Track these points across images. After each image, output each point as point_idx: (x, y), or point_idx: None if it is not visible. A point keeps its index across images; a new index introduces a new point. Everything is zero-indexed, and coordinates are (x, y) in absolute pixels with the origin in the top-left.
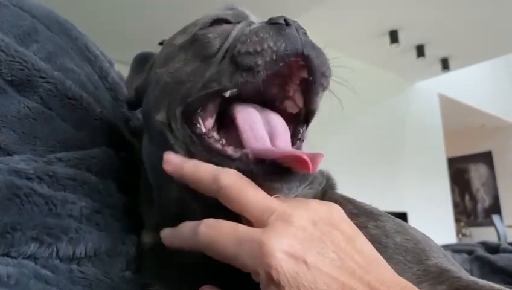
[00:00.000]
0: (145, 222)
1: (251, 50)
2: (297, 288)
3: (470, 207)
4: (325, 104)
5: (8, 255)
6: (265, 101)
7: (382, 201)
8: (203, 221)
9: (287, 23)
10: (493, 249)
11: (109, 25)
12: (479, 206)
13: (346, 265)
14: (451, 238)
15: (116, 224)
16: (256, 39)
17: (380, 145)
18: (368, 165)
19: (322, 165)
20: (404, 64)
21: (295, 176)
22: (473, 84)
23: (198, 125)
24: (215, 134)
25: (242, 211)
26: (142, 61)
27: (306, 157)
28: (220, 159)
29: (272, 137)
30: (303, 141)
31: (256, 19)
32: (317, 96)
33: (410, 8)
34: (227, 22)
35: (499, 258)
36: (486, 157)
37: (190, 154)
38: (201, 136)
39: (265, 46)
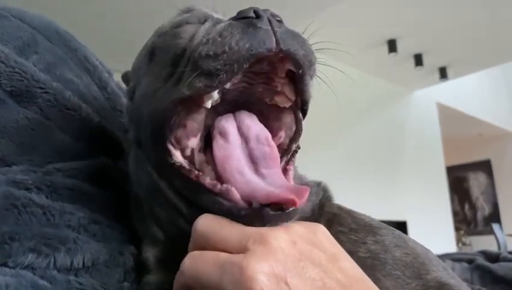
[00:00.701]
0: (142, 235)
1: (211, 53)
2: None
3: (469, 216)
4: (323, 113)
5: (5, 265)
6: (253, 101)
7: (382, 210)
8: (188, 254)
9: (257, 15)
10: (493, 258)
11: (109, 34)
12: (479, 215)
13: (328, 285)
14: (451, 247)
15: (114, 234)
16: (219, 40)
17: (378, 154)
18: (367, 174)
19: (322, 174)
20: (402, 73)
21: (282, 216)
22: (471, 93)
23: (172, 151)
24: (198, 157)
25: (223, 247)
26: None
27: (291, 196)
28: (201, 195)
29: (256, 168)
30: (293, 155)
31: (223, 16)
32: (308, 86)
33: (408, 18)
34: (190, 24)
35: (499, 267)
36: (485, 166)
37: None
38: (173, 166)
39: (226, 47)
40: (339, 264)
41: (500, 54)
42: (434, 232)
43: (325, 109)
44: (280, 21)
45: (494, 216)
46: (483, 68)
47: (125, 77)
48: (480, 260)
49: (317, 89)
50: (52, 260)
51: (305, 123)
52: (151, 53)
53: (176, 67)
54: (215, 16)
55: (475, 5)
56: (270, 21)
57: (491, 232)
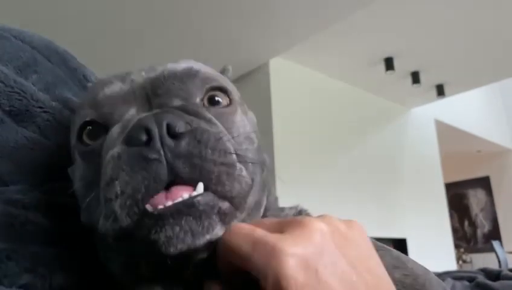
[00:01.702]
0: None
1: (108, 197)
2: None
3: (469, 233)
4: (322, 131)
5: (1, 284)
6: None
7: (381, 227)
8: (228, 226)
9: (150, 137)
10: (494, 275)
11: (108, 53)
12: (479, 232)
13: (357, 283)
14: (451, 264)
15: None
16: (117, 186)
17: (377, 171)
18: (365, 191)
19: (321, 193)
20: (399, 91)
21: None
22: (469, 110)
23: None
24: None
25: (261, 226)
26: None
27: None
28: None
29: None
30: None
31: (135, 109)
32: (228, 187)
33: (405, 36)
34: (97, 123)
35: (500, 285)
36: (484, 183)
37: None
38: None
39: (118, 191)
40: (369, 264)
41: (496, 72)
42: (434, 249)
43: (323, 127)
44: (175, 135)
45: (494, 233)
46: (480, 85)
47: None
48: (481, 278)
49: (313, 107)
50: (48, 280)
51: (303, 142)
52: (73, 153)
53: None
54: (128, 112)
55: (472, 23)
56: (162, 143)
57: (491, 249)
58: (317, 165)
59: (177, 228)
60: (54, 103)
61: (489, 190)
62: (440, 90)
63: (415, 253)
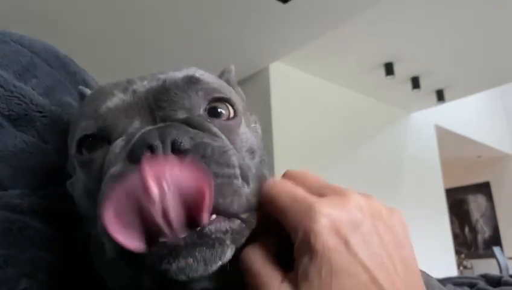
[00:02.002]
0: None
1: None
2: (328, 261)
3: (470, 238)
4: (322, 136)
5: None
6: None
7: None
8: (272, 179)
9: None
10: (495, 281)
11: (108, 56)
12: (479, 238)
13: (386, 265)
14: (452, 270)
15: None
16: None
17: (377, 176)
18: None
19: None
20: (399, 96)
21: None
22: (470, 116)
23: None
24: None
25: (304, 186)
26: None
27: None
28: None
29: None
30: None
31: (139, 121)
32: (234, 194)
33: (404, 41)
34: (97, 138)
35: None
36: (484, 188)
37: None
38: None
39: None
40: (403, 253)
41: (497, 77)
42: (435, 255)
43: (322, 131)
44: (180, 152)
45: (495, 239)
46: (480, 90)
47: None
48: (482, 284)
49: (313, 112)
50: (47, 286)
51: (303, 147)
52: (72, 161)
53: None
54: (132, 125)
55: (471, 28)
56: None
57: (492, 255)
58: (316, 170)
59: (191, 260)
60: (53, 108)
61: (490, 196)
62: (440, 96)
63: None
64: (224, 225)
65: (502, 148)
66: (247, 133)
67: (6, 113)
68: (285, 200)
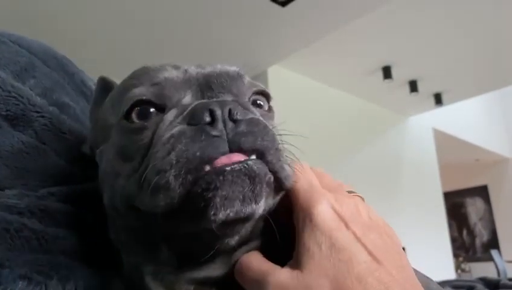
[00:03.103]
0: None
1: (162, 168)
2: (328, 237)
3: (468, 242)
4: (320, 139)
5: None
6: None
7: None
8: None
9: (213, 118)
10: (493, 285)
11: (109, 59)
12: (477, 241)
13: (382, 252)
14: (450, 273)
15: (108, 261)
16: (173, 156)
17: (375, 179)
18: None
19: None
20: (397, 100)
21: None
22: (467, 119)
23: None
24: None
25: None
26: (104, 91)
27: None
28: None
29: None
30: None
31: (190, 96)
32: (278, 166)
33: (402, 45)
34: (151, 104)
35: None
36: (482, 191)
37: None
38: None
39: (174, 161)
40: (399, 250)
41: (494, 80)
42: (433, 258)
43: (320, 135)
44: (237, 120)
45: (493, 242)
46: (478, 94)
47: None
48: (480, 287)
49: (311, 116)
50: (43, 287)
51: (301, 149)
52: (116, 129)
53: (131, 169)
54: (175, 97)
55: (470, 32)
56: (225, 123)
57: (490, 258)
58: None
59: (234, 188)
60: (51, 108)
61: (488, 199)
62: (438, 99)
63: (414, 262)
64: (265, 169)
65: (500, 151)
66: (276, 127)
67: (3, 113)
68: (302, 183)
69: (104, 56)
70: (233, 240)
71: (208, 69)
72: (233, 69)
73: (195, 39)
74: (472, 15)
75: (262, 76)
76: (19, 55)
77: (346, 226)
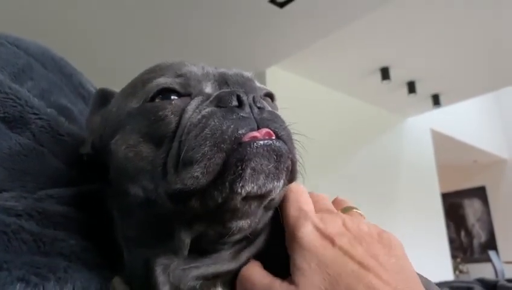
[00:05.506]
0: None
1: (193, 144)
2: (315, 256)
3: (466, 243)
4: (318, 140)
5: None
6: None
7: None
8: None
9: (240, 103)
10: (491, 286)
11: (105, 62)
12: (475, 242)
13: (373, 259)
14: (448, 275)
15: (105, 263)
16: (208, 131)
17: (373, 180)
18: (361, 201)
19: None
20: (395, 101)
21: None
22: (465, 120)
23: None
24: None
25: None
26: (103, 101)
27: None
28: None
29: None
30: None
31: (210, 87)
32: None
33: (400, 46)
34: (175, 92)
35: None
36: (480, 193)
37: None
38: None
39: (211, 134)
40: (396, 253)
41: (492, 81)
42: (431, 259)
43: (318, 136)
44: (260, 108)
45: (490, 243)
46: (476, 95)
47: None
48: (478, 288)
49: (309, 117)
50: (41, 289)
51: (299, 151)
52: (140, 113)
53: (161, 148)
54: (199, 86)
55: (467, 33)
56: (251, 107)
57: (488, 259)
58: (312, 175)
59: (262, 161)
60: (49, 110)
61: (485, 200)
62: (436, 100)
63: (412, 263)
64: (287, 151)
65: (498, 152)
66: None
67: (1, 115)
68: (292, 209)
69: (104, 56)
70: (246, 223)
71: (223, 69)
72: (246, 72)
73: (194, 40)
74: (470, 17)
75: (260, 77)
76: (17, 57)
77: (332, 243)
